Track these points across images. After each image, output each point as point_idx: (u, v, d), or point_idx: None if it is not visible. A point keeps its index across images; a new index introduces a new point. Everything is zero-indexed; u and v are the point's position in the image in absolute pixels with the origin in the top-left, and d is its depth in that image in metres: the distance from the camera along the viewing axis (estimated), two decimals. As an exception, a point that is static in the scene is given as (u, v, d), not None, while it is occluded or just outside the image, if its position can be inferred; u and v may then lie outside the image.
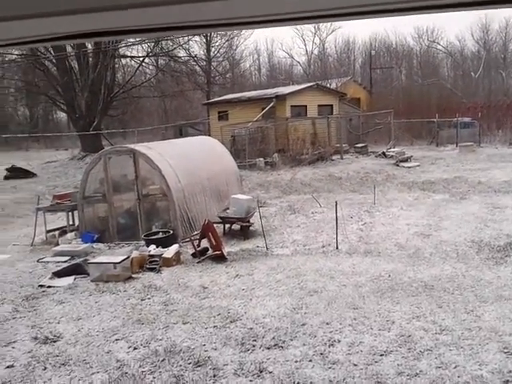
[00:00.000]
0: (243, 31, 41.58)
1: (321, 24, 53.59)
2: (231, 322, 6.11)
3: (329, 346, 5.30)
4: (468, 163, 20.28)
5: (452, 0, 0.93)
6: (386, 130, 27.05)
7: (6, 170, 24.85)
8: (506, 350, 4.97)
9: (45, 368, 5.22)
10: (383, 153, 22.86)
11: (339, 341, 5.42)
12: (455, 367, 4.72)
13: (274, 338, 5.58)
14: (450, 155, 23.06)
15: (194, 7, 0.93)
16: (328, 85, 33.75)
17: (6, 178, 24.07)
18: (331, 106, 27.28)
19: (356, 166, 20.48)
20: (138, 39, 28.51)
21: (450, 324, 5.66)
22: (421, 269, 7.78)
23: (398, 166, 20.37)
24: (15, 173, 24.52)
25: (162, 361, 5.19)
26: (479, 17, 52.93)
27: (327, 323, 5.88)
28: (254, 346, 5.43)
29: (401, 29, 75.97)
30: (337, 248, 9.28)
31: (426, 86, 40.80)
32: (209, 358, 5.19)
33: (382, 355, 5.04)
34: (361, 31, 72.13)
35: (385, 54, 54.30)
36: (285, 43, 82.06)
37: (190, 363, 5.10)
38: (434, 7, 0.96)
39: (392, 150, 23.27)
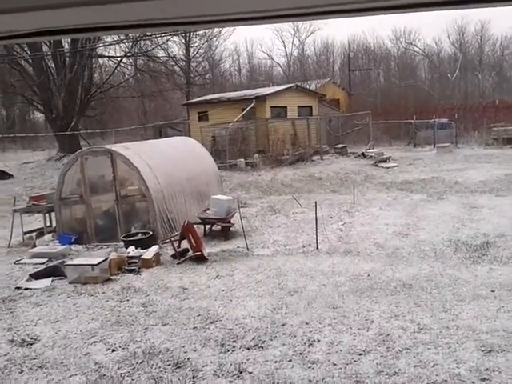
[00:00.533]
0: (223, 32, 41.57)
1: (300, 25, 53.94)
2: (211, 322, 6.08)
3: (308, 346, 5.31)
4: (445, 164, 20.58)
5: None
6: (365, 131, 27.31)
7: (-18, 171, 24.37)
8: (483, 348, 5.04)
9: (21, 371, 5.13)
10: (362, 153, 23.07)
11: (319, 340, 5.43)
12: (433, 366, 4.77)
13: (253, 338, 5.57)
14: (427, 156, 23.38)
15: (174, 2, 0.91)
16: (307, 86, 33.92)
17: (-19, 179, 23.58)
18: (311, 107, 27.42)
19: (336, 167, 20.62)
20: (115, 38, 28.21)
21: (428, 323, 5.72)
22: (399, 268, 7.86)
23: (376, 166, 20.57)
24: (-10, 174, 24.05)
25: (141, 363, 5.14)
26: (455, 19, 53.90)
27: (307, 323, 5.90)
28: (233, 346, 5.41)
29: (378, 31, 76.91)
30: (317, 248, 9.32)
31: (404, 88, 41.35)
32: (188, 359, 5.16)
33: (361, 354, 5.07)
34: (339, 33, 72.89)
35: (363, 56, 54.84)
36: (264, 44, 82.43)
37: (169, 365, 5.06)
38: (416, 5, 0.96)
39: (371, 150, 23.49)
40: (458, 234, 9.77)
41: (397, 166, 20.58)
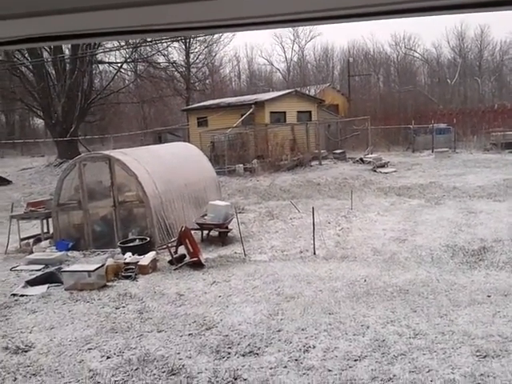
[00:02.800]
0: (222, 37, 41.66)
1: (300, 31, 54.11)
2: (207, 329, 6.06)
3: (304, 352, 5.30)
4: (443, 169, 20.59)
5: (437, 3, 0.93)
6: (364, 136, 27.34)
7: (-19, 177, 24.39)
8: (478, 354, 5.03)
9: (15, 379, 5.11)
10: (361, 159, 23.07)
11: (314, 346, 5.42)
12: (428, 371, 4.76)
13: (249, 344, 5.56)
14: (425, 161, 23.39)
15: (175, 8, 0.91)
16: (307, 91, 33.99)
17: (-19, 185, 23.60)
18: (310, 112, 27.45)
19: (334, 172, 20.62)
20: (115, 45, 28.32)
21: (424, 328, 5.71)
22: (396, 273, 7.85)
23: (375, 171, 20.58)
24: (-10, 180, 24.06)
25: (136, 370, 5.13)
26: (455, 24, 54.10)
27: (303, 329, 5.88)
28: (229, 353, 5.40)
29: (378, 36, 77.14)
30: (314, 253, 9.31)
31: (403, 93, 41.42)
32: (183, 366, 5.14)
33: (356, 360, 5.06)
34: (339, 39, 73.00)
35: (363, 61, 54.94)
36: (264, 50, 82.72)
37: (163, 372, 5.05)
38: (416, 10, 0.96)
39: (369, 155, 23.50)
40: (455, 239, 9.76)
41: (395, 172, 20.58)
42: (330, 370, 4.91)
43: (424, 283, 7.29)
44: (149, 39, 26.35)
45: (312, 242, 9.59)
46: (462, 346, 5.22)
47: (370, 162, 22.02)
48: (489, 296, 6.62)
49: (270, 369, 5.02)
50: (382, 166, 21.37)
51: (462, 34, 52.92)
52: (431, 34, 74.73)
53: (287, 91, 28.51)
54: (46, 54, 29.98)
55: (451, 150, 25.41)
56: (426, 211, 12.61)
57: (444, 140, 26.90)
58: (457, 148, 26.32)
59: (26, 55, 29.42)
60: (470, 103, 39.68)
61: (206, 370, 5.07)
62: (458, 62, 50.19)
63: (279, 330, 5.90)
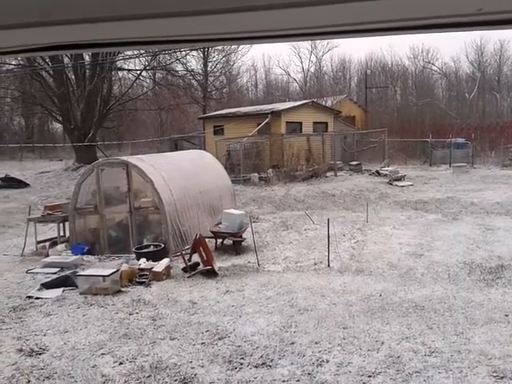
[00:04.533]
0: (240, 47, 41.94)
1: (317, 42, 54.17)
2: (219, 338, 6.04)
3: (317, 366, 5.25)
4: (461, 184, 20.38)
5: (446, 20, 0.93)
6: (380, 148, 27.22)
7: (0, 179, 24.71)
8: (495, 374, 4.93)
9: (28, 381, 5.14)
10: (377, 171, 22.96)
11: (328, 361, 5.36)
12: (444, 390, 4.68)
13: (262, 356, 5.52)
14: (443, 175, 23.19)
15: (193, 20, 0.92)
16: (324, 102, 33.98)
17: (-1, 187, 23.92)
18: (326, 123, 27.44)
19: (350, 184, 20.53)
20: (135, 52, 28.67)
21: (440, 346, 5.62)
22: (412, 289, 7.76)
23: (391, 184, 20.44)
24: (8, 182, 24.35)
25: (148, 377, 5.12)
26: (474, 39, 53.68)
27: (316, 342, 5.83)
28: (241, 364, 5.36)
29: (396, 49, 76.94)
30: (328, 266, 9.25)
31: (421, 106, 41.19)
32: (195, 375, 5.12)
33: (370, 376, 4.99)
34: (357, 51, 73.06)
35: (380, 73, 54.81)
36: (282, 60, 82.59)
37: (175, 380, 5.03)
38: (426, 27, 0.96)
39: (386, 168, 23.37)
40: (472, 255, 9.63)
41: (412, 185, 20.43)
42: (343, 385, 4.85)
43: (440, 300, 7.19)
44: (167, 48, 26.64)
45: (326, 254, 9.53)
46: (479, 366, 5.12)
47: (386, 175, 21.89)
48: (506, 315, 6.50)
49: (283, 382, 4.97)
50: (399, 180, 21.22)
51: (481, 48, 52.57)
52: (450, 47, 74.32)
53: (304, 102, 28.54)
54: (66, 60, 30.41)
55: (469, 165, 25.16)
56: (443, 226, 12.47)
57: (462, 155, 26.66)
58: (475, 163, 26.07)
59: (47, 60, 29.88)
60: (489, 118, 39.27)
61: (219, 380, 5.04)
62: (476, 77, 49.82)
63: (292, 343, 5.85)
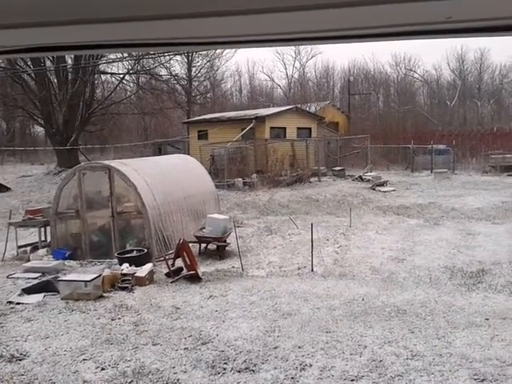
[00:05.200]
0: (225, 52, 42.01)
1: (301, 49, 54.61)
2: (202, 344, 6.01)
3: (300, 370, 5.25)
4: (442, 189, 20.65)
5: (432, 27, 0.95)
6: (363, 154, 27.46)
7: (-21, 183, 24.32)
8: (475, 377, 4.99)
9: (7, 389, 5.05)
10: (360, 177, 23.14)
11: (311, 365, 5.38)
12: (425, 393, 4.72)
13: (245, 361, 5.51)
14: (424, 181, 23.46)
15: (178, 23, 0.93)
16: (307, 108, 34.17)
17: (-21, 191, 23.54)
18: (310, 129, 27.57)
19: (333, 189, 20.65)
20: (118, 56, 28.47)
21: (422, 349, 5.68)
22: (394, 293, 7.82)
23: (374, 190, 20.62)
24: (-12, 186, 24.00)
25: (130, 382, 5.07)
26: (455, 47, 54.63)
27: (299, 347, 5.84)
28: (224, 369, 5.35)
29: (379, 56, 77.71)
30: (312, 270, 9.28)
31: (403, 113, 41.71)
32: (178, 380, 5.09)
33: (352, 380, 5.02)
34: (340, 58, 73.65)
35: (363, 80, 55.38)
36: (266, 66, 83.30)
37: (158, 386, 4.99)
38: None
39: (369, 174, 23.58)
40: (453, 260, 9.75)
41: (394, 191, 20.63)
42: (326, 389, 4.86)
43: (422, 304, 7.26)
44: (151, 52, 26.55)
45: (310, 258, 9.57)
46: (460, 369, 5.18)
47: (369, 181, 22.08)
48: (487, 319, 6.59)
49: (266, 386, 4.97)
50: (381, 185, 21.42)
51: (462, 56, 53.50)
52: (432, 55, 75.44)
53: (288, 107, 28.66)
54: (48, 63, 30.12)
55: (450, 171, 25.51)
56: (425, 231, 12.61)
57: (443, 161, 27.03)
58: (456, 169, 26.44)
59: (29, 63, 29.55)
60: (469, 125, 39.93)
61: (202, 385, 5.01)
62: (457, 84, 50.65)
63: (276, 347, 5.86)
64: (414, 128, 35.17)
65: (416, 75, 53.93)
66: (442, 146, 28.28)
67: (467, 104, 49.92)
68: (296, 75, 57.69)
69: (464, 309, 7.03)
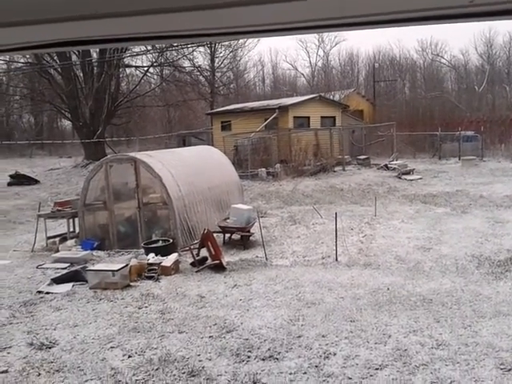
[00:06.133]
0: (247, 42, 41.89)
1: (325, 36, 53.95)
2: (227, 332, 6.08)
3: (324, 359, 5.27)
4: (470, 177, 20.26)
5: (453, 11, 0.94)
6: (389, 142, 27.10)
7: (10, 176, 24.96)
8: (502, 367, 4.93)
9: (39, 374, 5.21)
10: (385, 165, 22.87)
11: (335, 354, 5.39)
12: (450, 383, 4.69)
13: (269, 349, 5.55)
14: (452, 168, 23.05)
15: (201, 15, 0.94)
16: (331, 97, 33.86)
17: (10, 184, 24.17)
18: (334, 117, 27.35)
19: (358, 178, 20.48)
20: (142, 49, 28.71)
21: (447, 339, 5.62)
22: (420, 282, 7.75)
23: (400, 178, 20.37)
24: (18, 179, 24.62)
25: (156, 370, 5.17)
26: (483, 31, 53.21)
27: (323, 336, 5.85)
28: (248, 356, 5.40)
29: (404, 42, 76.34)
30: (336, 260, 9.26)
31: (430, 99, 40.89)
32: (203, 368, 5.17)
33: (377, 369, 5.01)
34: (364, 44, 72.55)
35: (388, 66, 54.48)
36: (289, 55, 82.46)
37: (184, 373, 5.08)
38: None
39: (394, 162, 23.28)
40: (480, 248, 9.59)
41: (421, 179, 20.34)
42: (350, 378, 4.87)
43: (448, 293, 7.18)
44: (175, 44, 26.67)
45: (334, 248, 9.54)
46: (486, 358, 5.12)
47: (394, 169, 21.81)
48: (515, 308, 6.48)
49: (290, 374, 5.00)
50: (408, 173, 21.13)
51: (490, 40, 52.05)
52: (459, 40, 73.59)
53: (311, 96, 28.47)
54: (74, 57, 30.58)
55: (478, 158, 24.97)
56: (452, 220, 12.42)
57: (471, 148, 26.46)
58: (484, 156, 25.88)
59: (55, 58, 30.06)
60: (498, 111, 38.91)
61: (226, 372, 5.08)
62: (485, 69, 49.36)
63: (299, 336, 5.88)
64: (441, 115, 34.48)
65: (443, 60, 52.83)
66: (470, 133, 27.67)
67: (496, 89, 48.65)
68: (320, 63, 57.15)
69: (491, 298, 6.92)
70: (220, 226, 10.88)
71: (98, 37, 1.05)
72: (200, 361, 5.35)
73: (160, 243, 10.02)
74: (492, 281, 7.73)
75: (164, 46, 28.55)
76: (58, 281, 8.36)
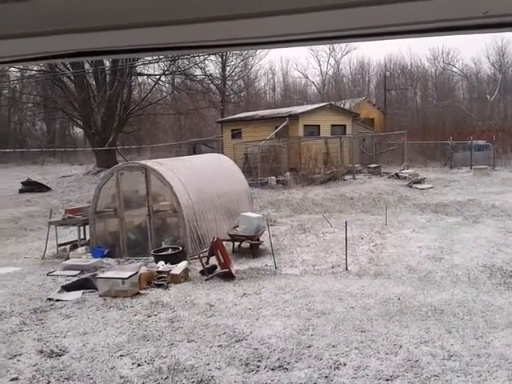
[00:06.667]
0: (258, 51, 42.05)
1: (336, 45, 54.02)
2: (236, 341, 6.06)
3: (334, 369, 5.23)
4: (482, 186, 20.09)
5: (462, 23, 0.94)
6: (400, 151, 26.98)
7: (22, 183, 25.19)
8: (515, 379, 4.86)
9: (48, 382, 5.22)
10: (396, 174, 22.76)
11: (345, 364, 5.34)
12: (463, 395, 4.62)
13: (278, 359, 5.52)
14: (463, 178, 22.88)
15: (207, 27, 0.95)
16: (342, 105, 33.85)
17: (21, 191, 24.38)
18: (344, 126, 27.31)
19: (368, 187, 20.39)
20: (154, 58, 28.94)
21: (459, 350, 5.55)
22: (431, 293, 7.67)
23: (411, 187, 20.25)
24: (30, 186, 24.83)
25: (166, 379, 5.16)
26: (495, 40, 52.85)
27: (333, 346, 5.81)
28: (258, 366, 5.37)
29: (416, 51, 76.06)
30: (346, 269, 9.20)
31: (441, 108, 40.70)
32: (212, 377, 5.15)
33: (387, 380, 4.96)
34: (376, 52, 72.49)
35: (399, 75, 54.33)
36: (299, 63, 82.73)
37: (193, 382, 5.07)
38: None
39: (405, 171, 23.15)
40: (493, 259, 9.49)
41: (432, 188, 20.20)
42: (360, 389, 4.83)
43: (460, 303, 7.10)
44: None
45: (344, 257, 9.49)
46: (499, 370, 5.05)
47: (405, 178, 21.70)
48: (528, 319, 6.39)
49: (300, 384, 4.96)
50: (419, 182, 21.01)
51: (502, 49, 51.74)
52: (471, 49, 73.35)
53: (322, 104, 28.49)
54: (87, 66, 30.90)
55: (490, 168, 24.78)
56: (464, 229, 12.31)
57: (483, 157, 26.26)
58: (496, 165, 25.67)
59: (68, 66, 30.38)
60: (510, 120, 38.67)
61: (235, 382, 5.06)
62: (498, 78, 49.05)
63: (309, 346, 5.84)
64: (452, 123, 34.30)
65: (455, 69, 52.62)
66: (481, 142, 27.48)
67: (508, 98, 48.32)
68: (330, 72, 57.17)
69: (503, 308, 6.83)
70: (229, 234, 10.87)
71: (110, 47, 1.07)
72: (209, 370, 5.32)
73: (170, 251, 10.03)
74: (504, 291, 7.63)
75: (176, 54, 28.75)
76: (68, 288, 8.39)
